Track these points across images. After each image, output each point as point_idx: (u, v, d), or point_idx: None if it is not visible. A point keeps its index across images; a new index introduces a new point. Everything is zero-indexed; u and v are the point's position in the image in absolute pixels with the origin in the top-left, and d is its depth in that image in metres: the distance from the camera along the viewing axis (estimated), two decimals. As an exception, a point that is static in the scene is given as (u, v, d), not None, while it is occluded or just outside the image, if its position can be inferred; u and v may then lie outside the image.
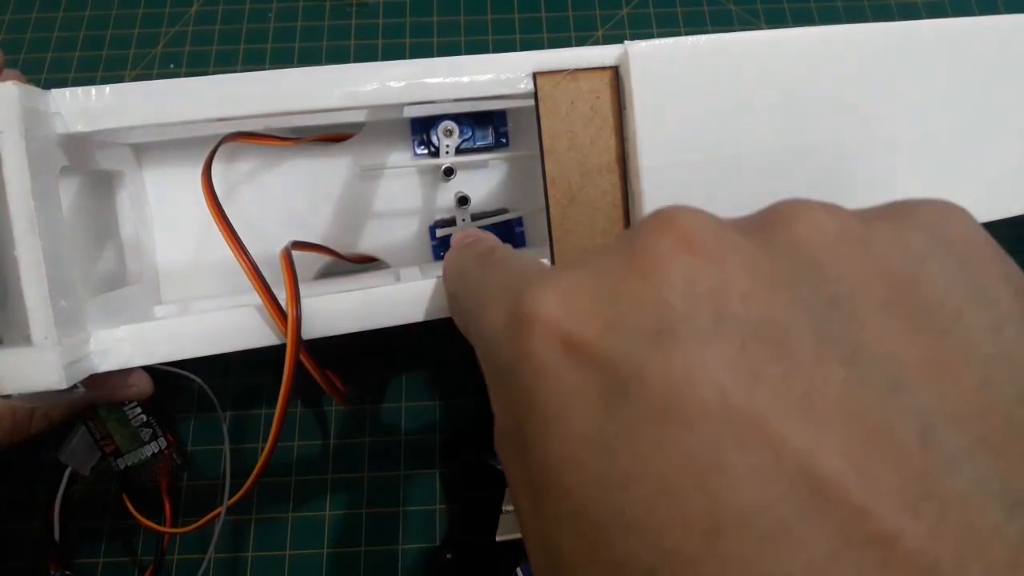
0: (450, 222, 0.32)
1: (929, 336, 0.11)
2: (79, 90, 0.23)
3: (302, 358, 0.24)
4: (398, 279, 0.29)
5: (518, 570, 0.27)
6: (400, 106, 0.29)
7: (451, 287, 0.21)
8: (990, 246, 0.12)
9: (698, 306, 0.11)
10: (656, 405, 0.10)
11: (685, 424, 0.10)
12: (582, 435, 0.11)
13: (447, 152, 0.30)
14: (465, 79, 0.25)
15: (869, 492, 0.09)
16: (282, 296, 0.24)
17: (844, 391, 0.10)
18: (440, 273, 0.25)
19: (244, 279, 0.24)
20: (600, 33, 0.42)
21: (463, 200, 0.31)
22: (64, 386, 0.21)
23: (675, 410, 0.10)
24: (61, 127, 0.23)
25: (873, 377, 0.10)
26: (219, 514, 0.27)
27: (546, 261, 0.25)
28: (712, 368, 0.10)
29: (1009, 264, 0.12)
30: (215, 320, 0.24)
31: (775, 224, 0.13)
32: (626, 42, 0.25)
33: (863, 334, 0.11)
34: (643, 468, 0.10)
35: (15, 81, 0.21)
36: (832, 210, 0.13)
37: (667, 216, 0.12)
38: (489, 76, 0.25)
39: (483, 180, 0.32)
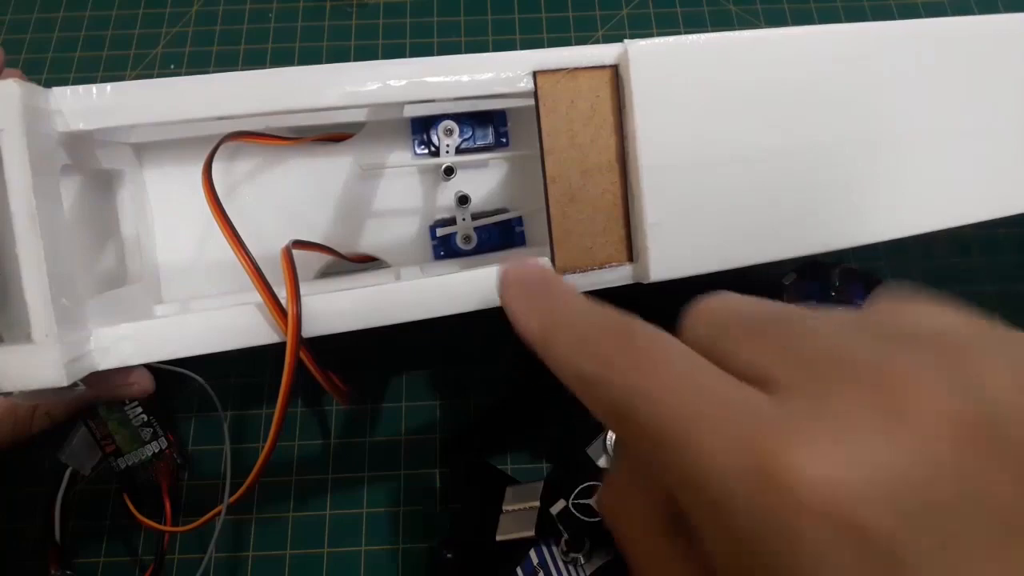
0: (450, 221, 0.32)
1: None
2: (80, 88, 0.23)
3: (302, 357, 0.24)
4: (398, 278, 0.29)
5: (518, 570, 0.27)
6: (400, 105, 0.29)
7: (575, 365, 0.16)
8: None
9: (975, 508, 0.11)
10: None
11: None
12: None
13: (447, 152, 0.30)
14: (465, 78, 0.25)
15: None
16: (282, 295, 0.24)
17: None
18: (440, 272, 0.26)
19: (244, 278, 0.24)
20: (600, 33, 0.42)
21: (463, 199, 0.31)
22: (65, 383, 0.21)
23: None
24: (62, 125, 0.23)
25: None
26: (219, 513, 0.27)
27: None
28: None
29: None
30: (215, 319, 0.24)
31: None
32: (626, 41, 0.25)
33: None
34: None
35: (16, 79, 0.21)
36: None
37: (921, 375, 0.12)
38: (489, 75, 0.25)
39: (483, 179, 0.32)
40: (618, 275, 0.26)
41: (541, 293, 0.19)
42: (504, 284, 0.19)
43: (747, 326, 0.15)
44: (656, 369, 0.15)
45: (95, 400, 0.29)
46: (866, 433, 0.11)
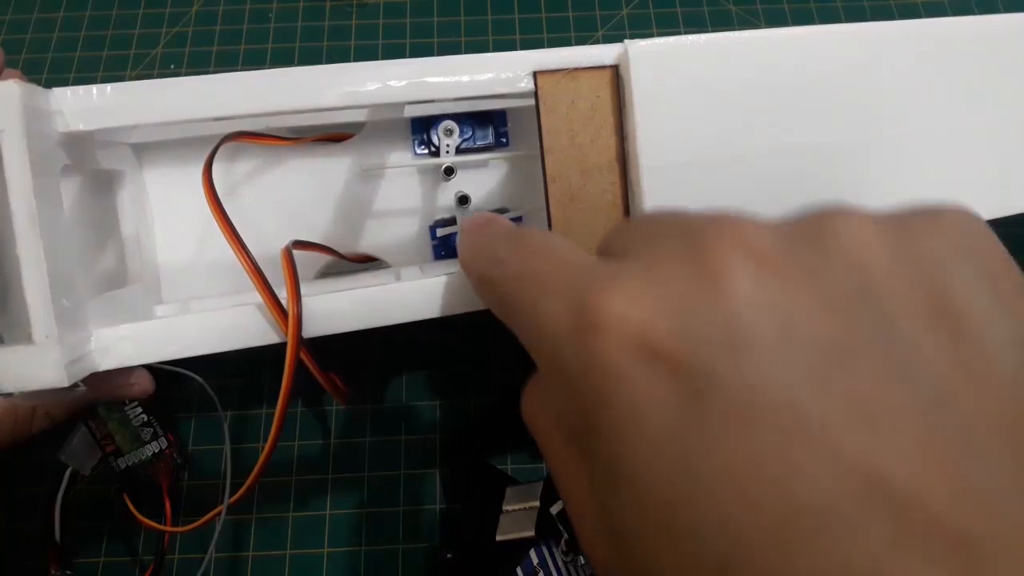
0: (450, 222, 0.32)
1: (965, 345, 0.12)
2: (80, 89, 0.23)
3: (303, 357, 0.24)
4: (398, 278, 0.29)
5: (518, 570, 0.27)
6: (400, 105, 0.29)
7: (480, 270, 0.20)
8: (1004, 256, 0.14)
9: (769, 323, 0.12)
10: (734, 409, 0.11)
11: (761, 427, 0.11)
12: (661, 432, 0.12)
13: (447, 152, 0.30)
14: (465, 78, 0.25)
15: (918, 489, 0.10)
16: (283, 295, 0.24)
17: (898, 400, 0.11)
18: (440, 272, 0.26)
19: (244, 278, 0.24)
20: (600, 34, 0.42)
21: (463, 199, 0.31)
22: (65, 384, 0.21)
23: (751, 415, 0.11)
24: (62, 126, 0.23)
25: (921, 386, 0.11)
26: (219, 513, 0.27)
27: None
28: (784, 380, 0.11)
29: (1016, 271, 0.14)
30: (216, 319, 0.24)
31: (826, 237, 0.14)
32: (626, 41, 0.25)
33: (912, 352, 0.12)
34: (721, 465, 0.11)
35: (16, 80, 0.21)
36: (866, 218, 0.14)
37: (730, 226, 0.13)
38: (489, 75, 0.25)
39: (483, 179, 0.32)
40: (618, 275, 0.26)
41: (476, 230, 0.21)
42: (459, 235, 0.22)
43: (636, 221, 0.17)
44: (532, 257, 0.17)
45: (95, 400, 0.29)
46: (670, 277, 0.13)
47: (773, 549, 0.11)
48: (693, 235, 0.14)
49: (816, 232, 0.14)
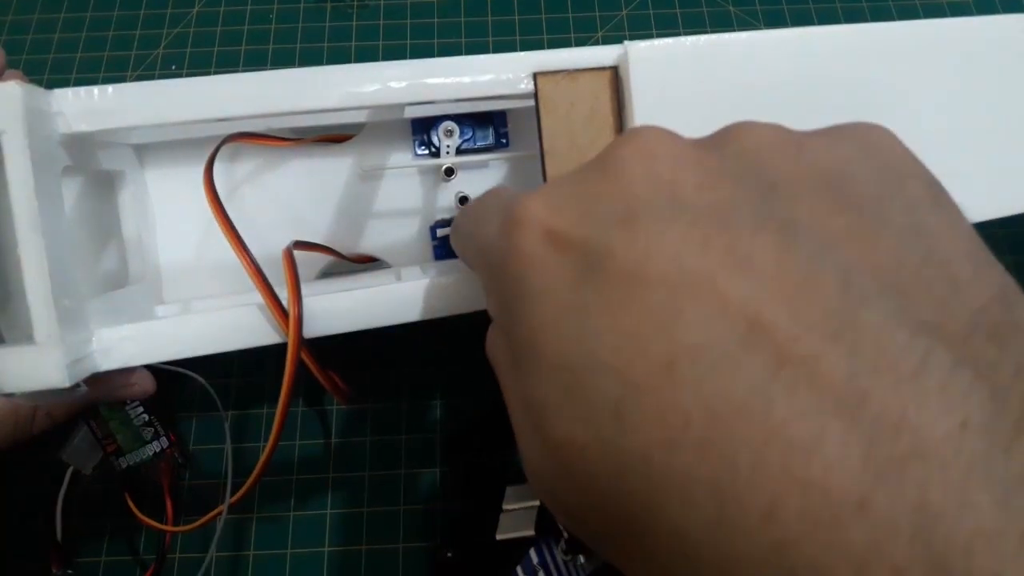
0: (450, 222, 0.32)
1: (852, 213, 0.13)
2: (81, 90, 0.23)
3: (303, 357, 0.24)
4: (399, 279, 0.29)
5: (518, 569, 0.27)
6: (401, 106, 0.29)
7: (458, 227, 0.22)
8: (909, 155, 0.15)
9: (657, 195, 0.13)
10: (623, 273, 0.12)
11: (647, 285, 0.12)
12: (561, 303, 0.13)
13: (447, 152, 0.30)
14: (466, 79, 0.25)
15: (796, 327, 0.11)
16: (284, 295, 0.24)
17: (777, 252, 0.12)
18: (441, 273, 0.26)
19: (245, 278, 0.24)
20: (599, 35, 0.42)
21: (464, 200, 0.31)
22: (67, 385, 0.21)
23: (639, 275, 0.12)
24: (64, 127, 0.23)
25: (802, 241, 0.12)
26: (220, 513, 0.27)
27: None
28: (669, 241, 0.12)
29: (923, 170, 0.15)
30: (217, 319, 0.24)
31: (726, 137, 0.15)
32: (626, 42, 0.25)
33: (795, 211, 0.13)
34: (612, 321, 0.12)
35: (18, 81, 0.21)
36: (775, 126, 0.15)
37: (634, 132, 0.15)
38: (489, 76, 0.25)
39: (483, 180, 0.32)
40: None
41: (455, 223, 0.22)
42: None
43: None
44: (480, 205, 0.19)
45: (96, 401, 0.29)
46: (582, 179, 0.15)
47: (662, 387, 0.11)
48: (606, 147, 0.15)
49: (718, 136, 0.15)
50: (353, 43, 0.41)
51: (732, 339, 0.11)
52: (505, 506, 0.29)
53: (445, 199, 0.32)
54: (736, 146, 0.15)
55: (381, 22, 0.42)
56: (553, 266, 0.14)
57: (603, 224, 0.13)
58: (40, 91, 0.22)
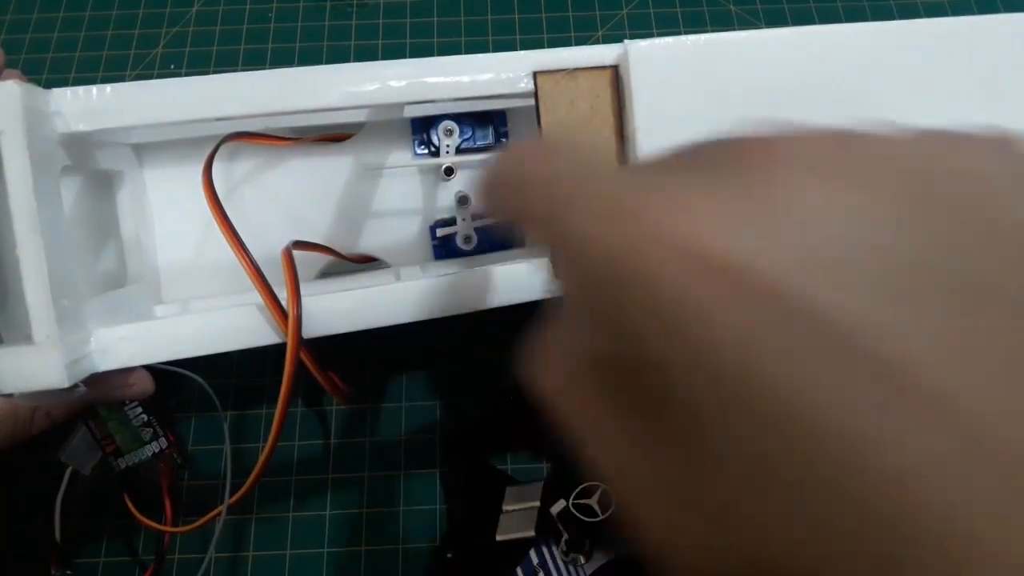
0: (450, 222, 0.32)
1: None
2: (80, 89, 0.23)
3: (303, 357, 0.24)
4: (398, 279, 0.29)
5: (518, 570, 0.27)
6: (400, 106, 0.29)
7: (505, 174, 0.16)
8: None
9: (843, 250, 0.11)
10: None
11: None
12: (753, 366, 0.10)
13: (447, 152, 0.30)
14: (465, 78, 0.25)
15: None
16: (283, 295, 0.24)
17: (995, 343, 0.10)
18: (441, 272, 0.26)
19: (244, 278, 0.24)
20: (600, 34, 0.42)
21: (463, 199, 0.31)
22: (66, 385, 0.21)
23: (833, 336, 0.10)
24: (62, 126, 0.23)
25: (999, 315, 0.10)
26: (220, 513, 0.27)
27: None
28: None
29: None
30: (216, 319, 0.24)
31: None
32: (626, 41, 0.25)
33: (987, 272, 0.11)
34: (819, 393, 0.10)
35: (16, 80, 0.21)
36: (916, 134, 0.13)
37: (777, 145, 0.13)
38: (489, 75, 0.25)
39: (483, 180, 0.32)
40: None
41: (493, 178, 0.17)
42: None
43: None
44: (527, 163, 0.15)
45: (95, 401, 0.29)
46: (728, 195, 0.12)
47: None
48: (736, 155, 0.13)
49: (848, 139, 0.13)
50: (352, 42, 0.41)
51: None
52: (505, 507, 0.29)
53: (445, 198, 0.32)
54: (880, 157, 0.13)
55: (380, 21, 0.42)
56: (728, 312, 0.10)
57: (786, 266, 0.11)
58: (39, 90, 0.22)
